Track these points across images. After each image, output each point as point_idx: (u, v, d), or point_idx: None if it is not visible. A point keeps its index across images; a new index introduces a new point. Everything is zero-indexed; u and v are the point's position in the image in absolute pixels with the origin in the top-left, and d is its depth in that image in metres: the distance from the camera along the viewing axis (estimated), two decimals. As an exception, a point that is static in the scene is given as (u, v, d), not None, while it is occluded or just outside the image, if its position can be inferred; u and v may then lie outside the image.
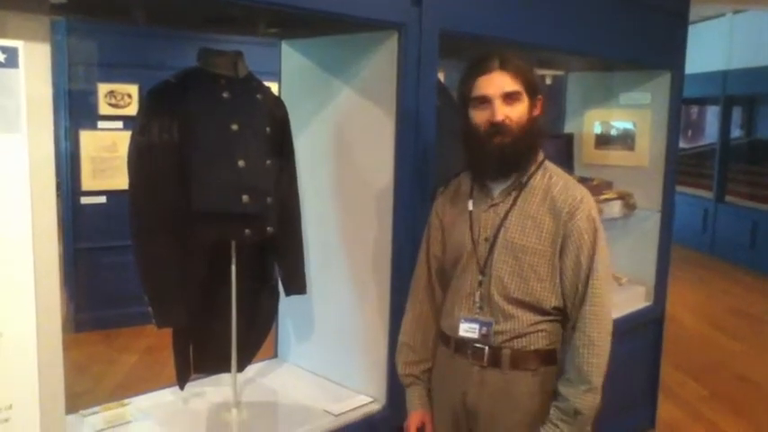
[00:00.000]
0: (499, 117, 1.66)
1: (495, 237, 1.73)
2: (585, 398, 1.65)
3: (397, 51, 2.11)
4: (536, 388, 1.72)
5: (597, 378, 1.65)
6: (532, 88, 1.71)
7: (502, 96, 1.66)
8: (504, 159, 1.69)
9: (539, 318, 1.71)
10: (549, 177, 1.75)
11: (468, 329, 1.75)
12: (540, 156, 1.78)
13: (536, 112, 1.73)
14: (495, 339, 1.72)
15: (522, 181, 1.74)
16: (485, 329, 1.73)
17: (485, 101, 1.68)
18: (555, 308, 1.72)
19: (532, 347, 1.72)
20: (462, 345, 1.77)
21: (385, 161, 2.17)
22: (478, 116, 1.69)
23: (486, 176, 1.77)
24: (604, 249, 1.70)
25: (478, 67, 1.69)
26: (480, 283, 1.74)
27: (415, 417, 1.89)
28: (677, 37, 3.43)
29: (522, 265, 1.70)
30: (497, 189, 1.76)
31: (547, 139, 3.57)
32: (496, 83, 1.66)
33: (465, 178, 1.85)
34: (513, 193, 1.74)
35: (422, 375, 1.91)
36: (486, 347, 1.73)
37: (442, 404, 1.86)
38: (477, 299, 1.75)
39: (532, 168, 1.75)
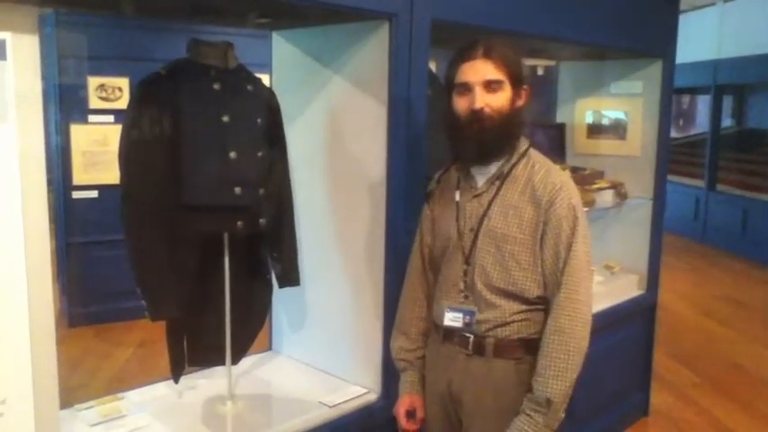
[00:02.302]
0: (478, 105, 1.66)
1: (479, 226, 1.74)
2: (555, 385, 1.63)
3: (388, 41, 2.10)
4: (519, 377, 1.72)
5: (565, 365, 1.64)
6: (517, 78, 1.70)
7: (483, 84, 1.66)
8: (481, 147, 1.69)
9: (522, 307, 1.72)
10: (531, 166, 1.74)
11: (452, 318, 1.77)
12: (525, 145, 1.78)
13: (520, 102, 1.73)
14: (479, 328, 1.73)
15: (505, 170, 1.74)
16: (468, 318, 1.74)
17: (466, 88, 1.68)
18: (538, 297, 1.72)
19: (516, 336, 1.72)
20: (449, 333, 1.79)
21: (377, 151, 2.17)
22: (460, 103, 1.70)
23: (464, 163, 1.78)
24: (585, 237, 1.70)
25: (463, 54, 1.69)
26: (465, 273, 1.76)
27: (405, 400, 1.90)
28: (668, 25, 3.44)
29: (503, 254, 1.70)
30: (481, 179, 1.77)
31: (536, 129, 3.60)
32: (479, 70, 1.66)
33: (455, 169, 1.86)
34: (497, 183, 1.75)
35: (415, 361, 1.92)
36: (471, 336, 1.75)
37: (431, 391, 1.88)
38: (462, 288, 1.76)
39: (516, 158, 1.75)
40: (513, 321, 1.72)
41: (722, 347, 4.98)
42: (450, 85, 1.73)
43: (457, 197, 1.81)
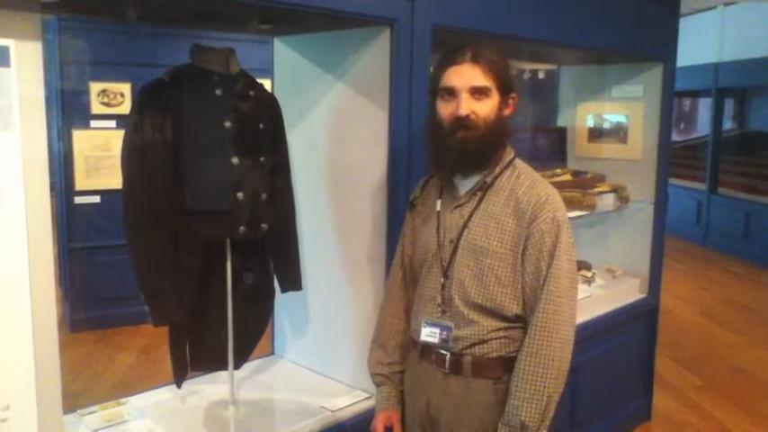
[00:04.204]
0: (463, 111, 1.59)
1: (459, 238, 1.67)
2: (530, 408, 1.56)
3: (389, 47, 2.11)
4: (498, 397, 1.65)
5: (542, 387, 1.57)
6: (505, 85, 1.64)
7: (469, 90, 1.60)
8: (464, 156, 1.62)
9: (501, 324, 1.64)
10: (516, 177, 1.67)
11: (429, 334, 1.69)
12: (510, 155, 1.71)
13: (507, 110, 1.67)
14: (456, 345, 1.66)
15: (488, 181, 1.67)
16: (445, 334, 1.67)
17: (452, 93, 1.61)
18: (517, 315, 1.64)
19: (495, 354, 1.65)
20: (427, 350, 1.72)
21: (379, 156, 2.18)
22: (444, 108, 1.63)
23: (446, 172, 1.71)
24: (568, 253, 1.61)
25: (450, 58, 1.63)
26: (443, 286, 1.68)
27: (381, 416, 1.83)
28: (669, 29, 3.45)
29: (482, 268, 1.63)
30: (463, 189, 1.71)
31: (537, 133, 3.61)
32: (465, 76, 1.60)
33: (438, 178, 1.79)
34: (479, 194, 1.68)
35: (392, 376, 1.85)
36: (448, 354, 1.67)
37: (411, 411, 1.80)
38: (440, 302, 1.69)
39: (499, 168, 1.68)
40: (491, 339, 1.64)
41: (724, 351, 4.97)
42: (434, 89, 1.66)
43: (438, 207, 1.74)
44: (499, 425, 1.61)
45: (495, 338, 1.64)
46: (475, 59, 1.60)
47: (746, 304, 6.24)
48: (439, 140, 1.66)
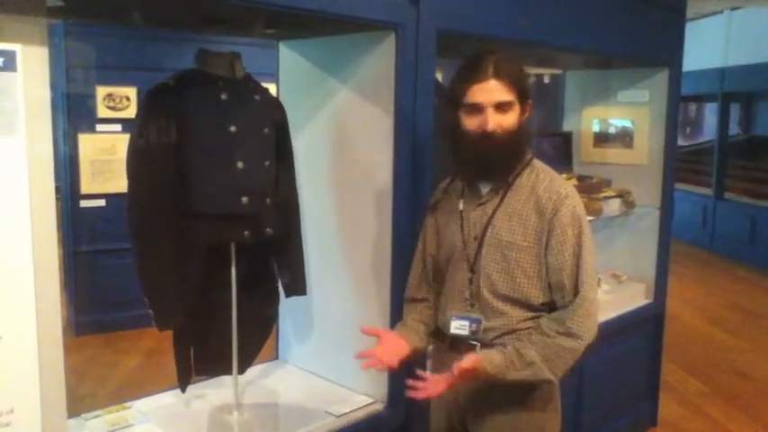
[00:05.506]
0: (491, 126, 1.66)
1: (483, 235, 1.75)
2: (542, 365, 1.64)
3: (394, 51, 2.11)
4: (525, 384, 1.72)
5: (569, 363, 1.66)
6: (524, 94, 1.72)
7: (494, 105, 1.67)
8: (491, 165, 1.72)
9: (529, 314, 1.73)
10: (535, 175, 1.76)
11: (458, 327, 1.78)
12: (529, 155, 1.80)
13: (525, 116, 1.75)
14: (486, 335, 1.75)
15: (509, 180, 1.76)
16: (474, 326, 1.75)
17: (477, 108, 1.68)
18: (544, 304, 1.73)
19: None
20: (456, 341, 1.79)
21: (383, 161, 2.17)
22: (469, 122, 1.70)
23: (470, 180, 1.80)
24: (590, 246, 1.71)
25: (471, 75, 1.69)
26: (470, 281, 1.77)
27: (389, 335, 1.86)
28: (675, 34, 3.44)
29: (508, 261, 1.72)
30: (485, 188, 1.79)
31: (543, 137, 3.61)
32: (490, 92, 1.66)
33: (457, 178, 1.87)
34: (501, 192, 1.76)
35: (416, 326, 1.90)
36: (479, 344, 1.75)
37: (439, 399, 1.84)
38: (468, 296, 1.78)
39: (520, 167, 1.77)
40: (521, 329, 1.72)
41: (730, 356, 4.95)
42: (456, 103, 1.72)
43: (460, 206, 1.82)
44: (510, 347, 1.67)
45: (524, 328, 1.73)
46: (497, 74, 1.67)
47: (752, 309, 6.21)
48: (464, 150, 1.73)
